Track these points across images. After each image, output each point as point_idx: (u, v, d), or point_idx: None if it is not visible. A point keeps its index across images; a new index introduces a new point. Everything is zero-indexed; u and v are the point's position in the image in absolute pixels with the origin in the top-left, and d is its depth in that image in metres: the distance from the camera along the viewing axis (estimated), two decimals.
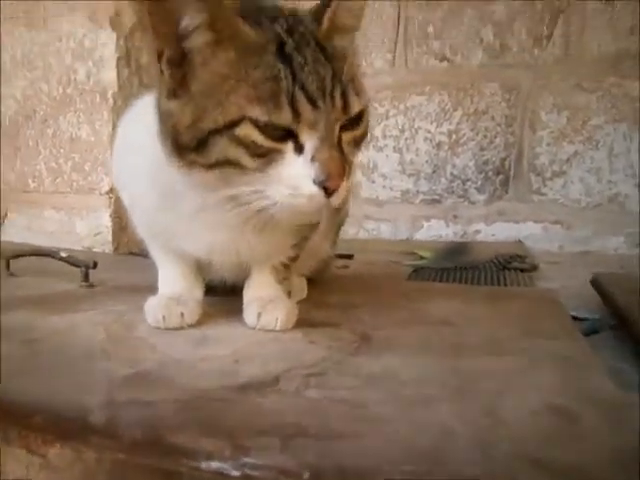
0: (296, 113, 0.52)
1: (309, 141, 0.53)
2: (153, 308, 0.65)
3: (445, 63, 1.92)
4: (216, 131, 0.53)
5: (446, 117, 1.92)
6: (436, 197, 1.96)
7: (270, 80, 0.52)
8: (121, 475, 0.37)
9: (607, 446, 0.38)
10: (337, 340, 0.62)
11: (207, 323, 0.66)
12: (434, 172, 1.94)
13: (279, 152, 0.53)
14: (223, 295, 0.75)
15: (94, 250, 1.43)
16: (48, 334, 0.60)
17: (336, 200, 0.54)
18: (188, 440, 0.37)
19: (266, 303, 0.66)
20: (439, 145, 1.93)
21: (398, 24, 1.96)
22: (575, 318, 0.89)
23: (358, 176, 1.99)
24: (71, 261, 0.86)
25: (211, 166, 0.54)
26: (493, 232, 1.91)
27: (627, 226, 1.78)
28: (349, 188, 0.56)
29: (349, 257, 1.47)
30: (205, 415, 0.41)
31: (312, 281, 0.90)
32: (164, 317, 0.64)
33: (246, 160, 0.53)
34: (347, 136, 0.56)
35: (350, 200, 1.03)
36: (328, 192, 0.53)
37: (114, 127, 1.43)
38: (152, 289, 0.76)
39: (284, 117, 0.52)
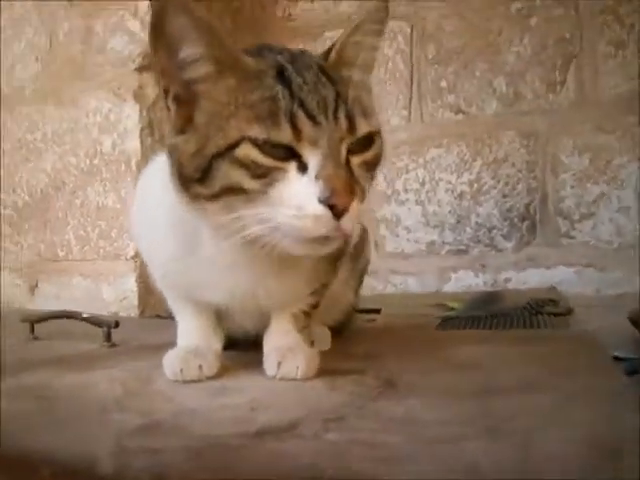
0: (296, 130, 0.52)
1: (312, 159, 0.52)
2: (171, 361, 0.64)
3: (460, 115, 1.95)
4: (218, 155, 0.52)
5: (466, 167, 1.92)
6: (462, 247, 1.93)
7: (269, 100, 0.52)
8: None
9: None
10: (360, 386, 0.60)
11: (226, 375, 0.65)
12: (458, 222, 1.93)
13: (281, 172, 0.52)
14: (244, 348, 0.74)
15: (120, 314, 1.44)
16: (63, 390, 0.59)
17: (347, 222, 0.51)
18: None
19: (286, 352, 0.64)
20: (461, 195, 1.92)
21: (411, 81, 2.00)
22: (615, 358, 0.85)
23: (382, 230, 1.99)
24: (93, 321, 0.86)
25: (215, 196, 0.53)
26: (524, 279, 1.86)
27: None
28: (358, 213, 0.53)
29: (376, 311, 1.43)
30: (218, 462, 0.39)
31: (337, 332, 0.88)
32: (182, 370, 0.62)
33: (247, 182, 0.52)
34: (357, 159, 0.55)
35: (371, 247, 1.02)
36: (336, 212, 0.51)
37: None
38: (174, 346, 0.75)
39: (283, 134, 0.51)
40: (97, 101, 1.54)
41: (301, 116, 0.52)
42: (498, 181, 1.89)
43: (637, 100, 1.76)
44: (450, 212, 1.93)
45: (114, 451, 0.40)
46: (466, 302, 1.60)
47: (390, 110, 2.02)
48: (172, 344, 0.73)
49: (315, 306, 0.71)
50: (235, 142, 0.52)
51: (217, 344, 0.68)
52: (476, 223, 1.91)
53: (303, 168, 0.52)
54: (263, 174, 0.52)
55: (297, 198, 0.51)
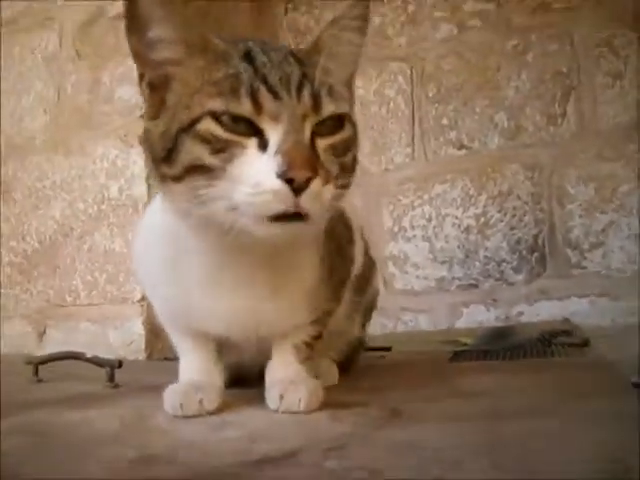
0: (257, 104, 0.52)
1: (273, 135, 0.52)
2: (171, 395, 0.63)
3: (463, 150, 1.96)
4: (182, 131, 0.53)
5: (471, 201, 1.92)
6: (472, 282, 1.91)
7: (232, 77, 0.52)
8: None
9: None
10: (363, 416, 0.58)
11: (227, 410, 0.63)
12: (467, 257, 1.91)
13: (241, 148, 0.52)
14: (245, 384, 0.72)
15: (127, 358, 1.43)
16: (61, 427, 0.57)
17: (306, 199, 0.50)
18: None
19: (288, 385, 0.63)
20: (468, 229, 1.92)
21: (413, 120, 2.03)
22: (635, 385, 0.82)
23: (390, 268, 1.97)
24: (96, 362, 0.85)
25: (179, 177, 0.53)
26: (537, 312, 1.83)
27: None
28: (329, 197, 0.52)
29: (386, 349, 1.41)
30: None
31: (342, 367, 0.86)
32: (182, 405, 0.61)
33: (207, 158, 0.51)
34: (323, 141, 0.54)
35: (378, 281, 1.01)
36: (295, 187, 0.49)
37: None
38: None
39: (243, 107, 0.51)
40: (104, 148, 1.57)
41: (262, 90, 0.52)
42: (505, 214, 1.89)
43: (637, 128, 1.77)
44: (458, 247, 1.92)
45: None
46: (478, 337, 1.58)
47: (394, 148, 2.05)
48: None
49: (317, 337, 0.69)
50: (197, 117, 0.52)
51: (218, 379, 0.67)
52: (485, 257, 1.89)
53: (264, 146, 0.52)
54: (222, 149, 0.51)
55: (256, 175, 0.50)
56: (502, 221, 1.89)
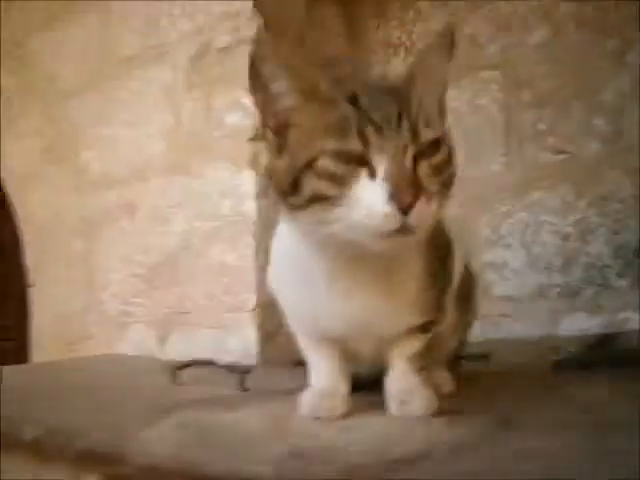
0: (365, 141, 0.60)
1: (380, 165, 0.60)
2: (306, 400, 0.73)
3: (561, 156, 1.94)
4: (303, 168, 0.62)
5: (571, 208, 1.90)
6: (573, 289, 1.88)
7: (342, 119, 0.61)
8: None
9: None
10: (476, 424, 0.65)
11: (354, 414, 0.72)
12: (566, 263, 1.89)
13: (355, 178, 0.60)
14: (366, 391, 0.80)
15: (242, 362, 1.56)
16: (219, 426, 0.69)
17: (413, 217, 0.58)
18: None
19: (407, 393, 0.71)
20: (567, 236, 1.89)
21: (509, 128, 2.03)
22: None
23: (489, 275, 1.99)
24: (228, 368, 0.97)
25: (304, 205, 0.63)
26: None
27: None
28: (432, 213, 0.60)
29: (485, 357, 1.45)
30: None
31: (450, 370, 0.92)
32: (315, 409, 0.71)
33: (328, 189, 0.60)
34: (424, 163, 0.62)
35: (478, 299, 1.06)
36: (402, 208, 0.58)
37: (257, 250, 1.62)
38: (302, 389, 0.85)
39: (353, 144, 0.60)
40: (216, 170, 1.73)
41: (369, 129, 0.60)
42: (606, 218, 1.85)
43: None
44: (556, 254, 1.91)
45: (273, 473, 0.49)
46: (581, 347, 1.57)
47: (490, 157, 2.06)
48: (296, 389, 0.84)
49: (428, 348, 0.77)
50: (316, 156, 0.61)
51: (344, 386, 0.76)
52: (586, 263, 1.86)
53: (373, 174, 0.60)
54: (338, 180, 0.60)
55: (368, 199, 0.59)
56: (603, 226, 1.85)
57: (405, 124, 0.61)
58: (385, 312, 0.71)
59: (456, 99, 2.14)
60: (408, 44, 2.30)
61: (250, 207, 1.64)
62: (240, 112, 1.71)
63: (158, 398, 0.91)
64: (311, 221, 0.63)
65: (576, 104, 1.94)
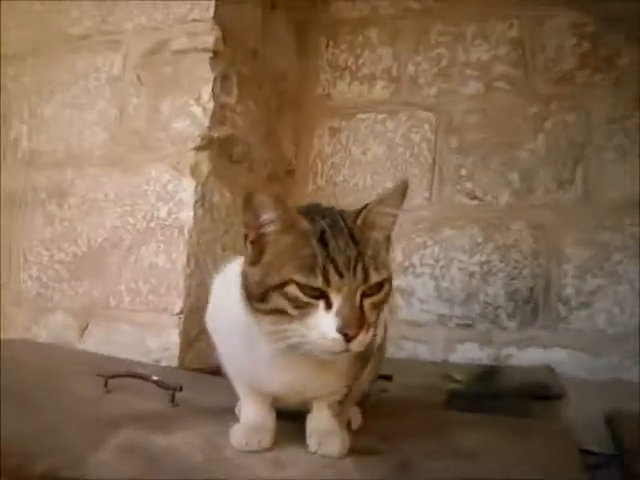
0: (327, 280, 0.72)
1: (336, 301, 0.72)
2: (237, 435, 0.83)
3: (476, 201, 2.15)
4: (274, 287, 0.74)
5: (478, 249, 2.11)
6: (470, 322, 2.10)
7: (311, 257, 0.73)
8: None
9: None
10: (382, 467, 0.77)
11: (278, 447, 0.83)
12: (467, 299, 2.11)
13: (314, 306, 0.72)
14: (289, 420, 0.91)
15: (162, 364, 1.62)
16: (160, 451, 0.77)
17: (354, 346, 0.72)
18: None
19: (325, 435, 0.83)
20: (472, 274, 2.11)
21: (434, 167, 2.22)
22: (589, 452, 1.02)
23: (398, 299, 2.16)
24: (161, 385, 1.04)
25: (268, 312, 0.75)
26: (524, 356, 2.02)
27: None
28: (367, 340, 0.73)
29: (388, 378, 1.60)
30: None
31: (360, 404, 1.05)
32: (246, 443, 0.81)
33: (291, 310, 0.73)
34: (368, 300, 0.75)
35: (386, 340, 1.20)
36: (347, 338, 0.71)
37: (188, 258, 1.67)
38: (228, 411, 0.96)
39: (317, 281, 0.72)
40: (157, 172, 1.76)
41: (331, 270, 0.72)
42: (506, 265, 2.08)
43: (636, 203, 1.95)
44: (460, 289, 2.12)
45: None
46: (470, 375, 1.78)
47: (413, 190, 2.23)
48: (226, 409, 0.95)
49: (346, 398, 0.89)
50: (285, 282, 0.73)
51: (271, 422, 0.86)
52: (484, 301, 2.09)
53: (329, 306, 0.73)
54: (302, 306, 0.73)
55: (323, 326, 0.72)
56: (503, 271, 2.08)
57: (359, 268, 0.73)
58: (316, 382, 0.83)
59: (392, 131, 2.30)
60: (354, 68, 2.43)
61: (187, 215, 1.69)
62: (188, 120, 1.75)
63: (92, 409, 0.97)
64: (270, 329, 0.76)
65: (496, 157, 2.15)
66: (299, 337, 0.73)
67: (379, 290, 0.76)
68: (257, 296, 0.75)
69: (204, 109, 1.74)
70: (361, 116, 2.36)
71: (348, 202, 2.24)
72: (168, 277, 1.68)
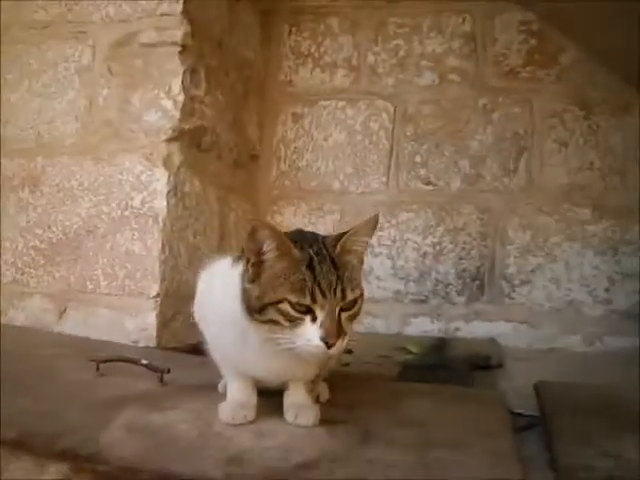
0: (314, 299, 0.88)
1: (320, 315, 0.88)
2: (225, 411, 0.97)
3: (430, 187, 2.32)
4: (270, 304, 0.89)
5: (430, 231, 2.29)
6: (423, 298, 2.29)
7: (301, 281, 0.88)
8: None
9: None
10: (348, 435, 0.94)
11: (260, 420, 0.98)
12: (421, 277, 2.29)
13: (302, 320, 0.88)
14: (267, 395, 1.06)
15: (140, 344, 1.74)
16: (160, 429, 0.91)
17: (333, 351, 0.88)
18: None
19: (300, 408, 0.99)
20: (425, 254, 2.29)
21: (391, 154, 2.37)
22: (520, 414, 1.21)
23: None
24: (150, 367, 1.17)
25: (264, 322, 0.90)
26: (471, 329, 2.24)
27: (583, 327, 2.12)
28: (344, 345, 0.90)
29: (349, 352, 1.77)
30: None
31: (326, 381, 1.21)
32: (233, 417, 0.96)
33: (283, 321, 0.89)
34: (345, 314, 0.91)
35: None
36: (328, 346, 0.87)
37: (163, 244, 1.78)
38: (211, 388, 1.12)
39: (306, 300, 0.88)
40: (130, 163, 1.84)
41: (317, 291, 0.88)
42: (456, 246, 2.27)
43: (573, 191, 2.16)
44: (415, 268, 2.30)
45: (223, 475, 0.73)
46: (422, 347, 1.97)
47: (372, 175, 2.38)
48: (209, 385, 1.10)
49: (318, 377, 1.05)
50: (280, 300, 0.88)
51: (253, 399, 1.01)
52: (435, 279, 2.28)
53: (314, 320, 0.88)
54: (292, 319, 0.88)
55: (309, 335, 0.88)
56: (453, 252, 2.27)
57: (339, 289, 0.89)
58: (295, 369, 0.98)
59: (353, 118, 2.43)
60: (316, 56, 2.53)
61: (161, 204, 1.78)
62: (160, 112, 1.83)
63: (90, 392, 1.10)
64: (266, 335, 0.91)
65: (448, 145, 2.32)
66: (290, 343, 0.89)
67: (354, 305, 0.92)
68: (256, 309, 0.90)
69: (174, 102, 1.82)
70: (323, 103, 2.47)
71: (311, 186, 2.39)
72: (144, 263, 1.78)
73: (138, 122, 1.85)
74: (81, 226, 1.88)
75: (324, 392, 1.15)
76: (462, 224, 2.27)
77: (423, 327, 2.29)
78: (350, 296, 0.90)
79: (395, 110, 2.38)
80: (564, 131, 2.20)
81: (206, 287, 1.05)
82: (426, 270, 2.29)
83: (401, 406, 1.14)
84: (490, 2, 2.33)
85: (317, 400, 1.09)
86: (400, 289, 2.32)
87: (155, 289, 1.76)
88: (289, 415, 0.99)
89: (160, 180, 1.80)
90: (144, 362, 1.18)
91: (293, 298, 0.87)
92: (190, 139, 1.90)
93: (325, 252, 0.91)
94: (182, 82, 1.84)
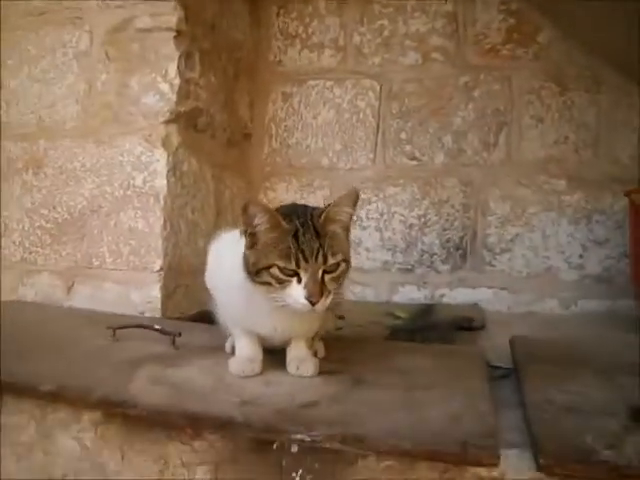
0: (298, 264, 1.00)
1: (304, 277, 1.00)
2: (235, 364, 1.11)
3: (415, 162, 2.44)
4: (263, 268, 1.02)
5: (416, 204, 2.42)
6: (409, 267, 2.43)
7: (288, 248, 1.01)
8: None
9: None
10: (342, 382, 1.07)
11: (266, 372, 1.11)
12: (407, 247, 2.43)
13: (290, 282, 1.01)
14: (272, 353, 1.19)
15: (146, 315, 1.86)
16: (179, 380, 1.04)
17: (317, 308, 1.00)
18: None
19: (301, 361, 1.12)
20: (411, 226, 2.42)
21: (377, 131, 2.48)
22: (497, 367, 1.35)
23: None
24: (163, 332, 1.30)
25: (261, 283, 1.03)
26: (455, 296, 2.38)
27: (559, 291, 2.27)
28: (327, 303, 1.02)
29: (341, 317, 1.91)
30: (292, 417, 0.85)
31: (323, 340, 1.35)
32: (243, 370, 1.09)
33: (274, 283, 1.01)
34: (328, 276, 1.03)
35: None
36: (312, 303, 1.00)
37: (164, 221, 1.89)
38: (218, 349, 1.23)
39: (292, 265, 1.00)
40: (130, 144, 1.93)
41: (301, 257, 1.00)
42: (440, 217, 2.40)
43: (548, 163, 2.29)
44: (401, 239, 2.43)
45: (240, 413, 0.86)
46: (409, 313, 2.11)
47: (359, 152, 2.50)
48: (217, 347, 1.22)
49: (317, 335, 1.18)
50: (270, 265, 1.01)
51: (260, 354, 1.14)
52: (421, 249, 2.41)
53: (299, 281, 1.01)
54: (282, 282, 1.01)
55: (296, 295, 1.00)
56: (438, 223, 2.40)
57: (320, 255, 1.01)
58: (297, 327, 1.12)
59: (340, 97, 2.54)
60: (304, 37, 2.61)
61: (161, 183, 1.89)
62: (157, 95, 1.92)
63: (111, 355, 1.22)
64: (263, 294, 1.04)
65: (432, 122, 2.43)
66: (282, 302, 1.02)
67: (336, 268, 1.04)
68: (253, 273, 1.03)
69: (171, 85, 1.91)
70: (311, 82, 2.57)
71: (302, 163, 2.50)
72: (147, 239, 1.89)
73: (137, 105, 1.94)
74: (85, 206, 1.98)
75: (321, 350, 1.29)
76: (446, 197, 2.40)
77: (410, 295, 2.43)
78: (331, 260, 1.02)
79: (381, 89, 2.48)
80: (541, 107, 2.32)
81: (216, 257, 1.18)
82: (412, 241, 2.43)
83: (389, 359, 1.28)
84: None
85: (315, 356, 1.23)
86: (388, 259, 2.46)
87: (159, 264, 1.87)
88: (292, 367, 1.12)
89: (160, 160, 1.90)
90: (157, 327, 1.30)
91: (281, 263, 1.00)
92: (187, 120, 1.99)
93: (310, 223, 1.03)
94: (178, 66, 1.92)
